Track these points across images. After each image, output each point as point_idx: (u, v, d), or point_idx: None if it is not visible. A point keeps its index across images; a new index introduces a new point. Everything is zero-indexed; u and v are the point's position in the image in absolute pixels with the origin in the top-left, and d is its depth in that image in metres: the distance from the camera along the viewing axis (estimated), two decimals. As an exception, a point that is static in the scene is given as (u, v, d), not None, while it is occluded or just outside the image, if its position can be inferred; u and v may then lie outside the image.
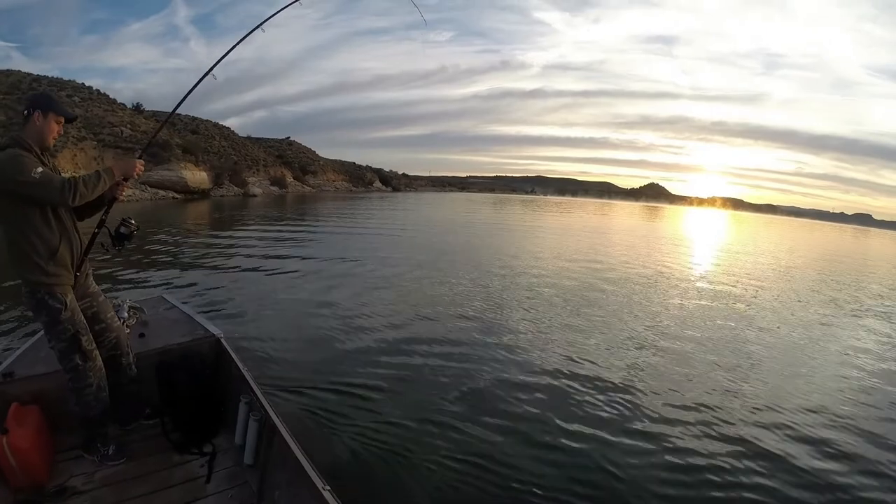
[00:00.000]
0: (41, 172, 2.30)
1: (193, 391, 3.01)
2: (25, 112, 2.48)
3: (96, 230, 2.80)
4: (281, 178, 57.59)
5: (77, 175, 2.43)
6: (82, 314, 2.61)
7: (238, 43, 3.59)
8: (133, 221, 2.89)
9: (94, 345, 2.64)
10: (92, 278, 2.83)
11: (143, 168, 2.72)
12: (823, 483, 4.07)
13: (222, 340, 3.47)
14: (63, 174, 2.57)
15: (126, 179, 2.69)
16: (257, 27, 3.67)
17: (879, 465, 4.47)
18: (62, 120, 2.57)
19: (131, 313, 3.66)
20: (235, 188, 44.08)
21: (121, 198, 2.75)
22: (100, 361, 2.66)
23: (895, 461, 4.55)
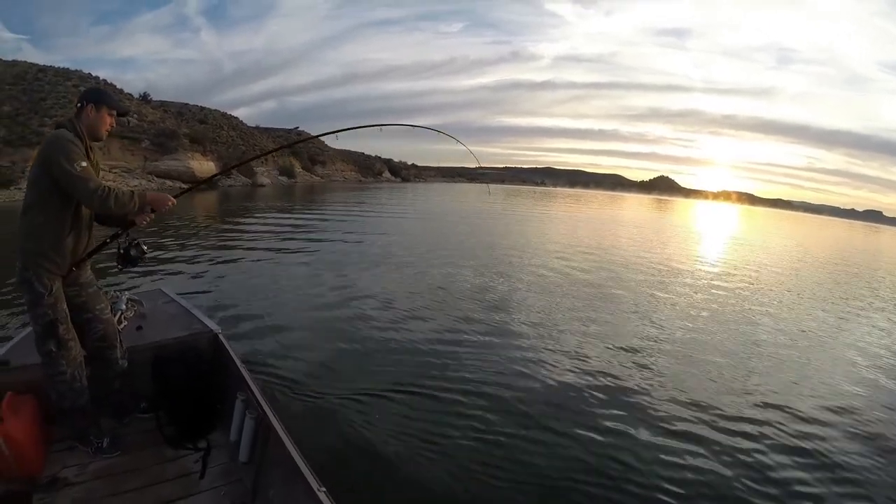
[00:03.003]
0: (83, 168, 2.41)
1: (189, 386, 2.99)
2: (78, 105, 2.60)
3: (108, 240, 2.83)
4: (290, 168, 57.54)
5: (112, 185, 2.49)
6: (67, 303, 2.60)
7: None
8: (145, 247, 2.90)
9: (73, 335, 2.63)
10: (88, 270, 2.81)
11: (173, 205, 2.75)
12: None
13: (220, 336, 3.46)
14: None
15: (153, 211, 2.70)
16: (378, 125, 3.99)
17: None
18: (115, 113, 2.69)
19: (129, 305, 3.63)
20: (244, 178, 44.04)
21: (140, 224, 2.74)
22: (76, 352, 2.64)
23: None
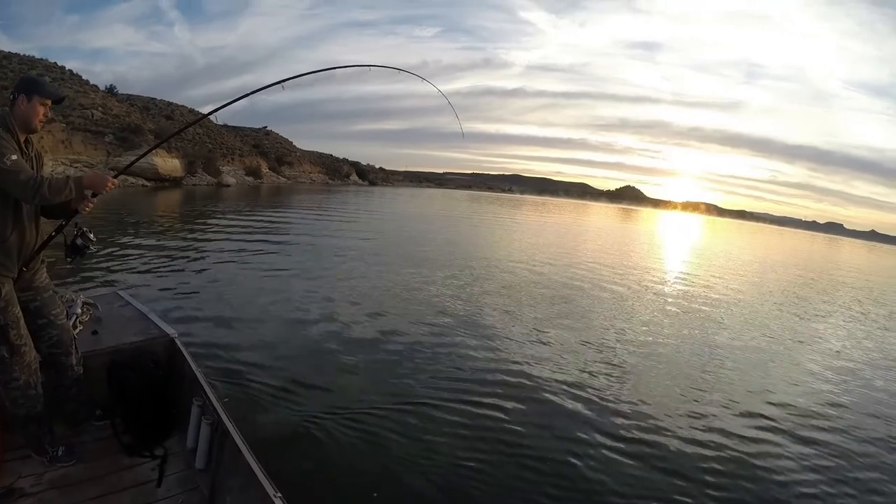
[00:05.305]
0: (13, 161, 2.28)
1: (145, 392, 2.95)
2: (11, 96, 2.46)
3: (53, 233, 2.74)
4: (256, 169, 56.66)
5: (48, 175, 2.40)
6: (20, 307, 2.53)
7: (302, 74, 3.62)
8: (92, 236, 2.81)
9: (27, 340, 2.56)
10: (44, 273, 2.75)
11: (114, 186, 2.61)
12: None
13: (176, 340, 3.41)
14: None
15: (94, 195, 2.60)
16: (330, 69, 3.77)
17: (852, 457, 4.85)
18: (48, 102, 2.53)
19: (85, 309, 3.55)
20: (209, 177, 43.14)
21: (83, 212, 2.63)
22: (31, 358, 2.57)
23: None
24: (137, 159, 3.74)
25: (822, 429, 5.45)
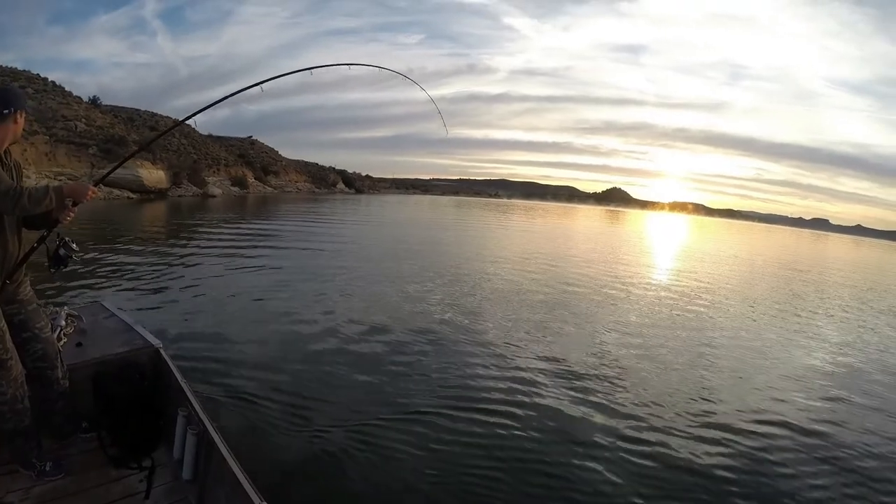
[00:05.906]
0: None
1: (131, 404, 2.94)
2: (6, 111, 2.43)
3: (35, 245, 2.70)
4: (242, 179, 56.43)
5: (26, 185, 2.39)
6: (5, 321, 2.51)
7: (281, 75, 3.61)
8: (74, 246, 2.80)
9: (13, 354, 2.54)
10: (28, 285, 2.73)
11: (95, 195, 2.59)
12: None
13: (161, 351, 3.40)
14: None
15: (75, 204, 2.57)
16: (308, 69, 3.77)
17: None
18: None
19: (69, 321, 3.53)
20: (194, 188, 42.93)
21: (64, 221, 2.62)
22: (17, 372, 2.55)
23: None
24: (116, 167, 3.71)
25: (825, 421, 5.52)
